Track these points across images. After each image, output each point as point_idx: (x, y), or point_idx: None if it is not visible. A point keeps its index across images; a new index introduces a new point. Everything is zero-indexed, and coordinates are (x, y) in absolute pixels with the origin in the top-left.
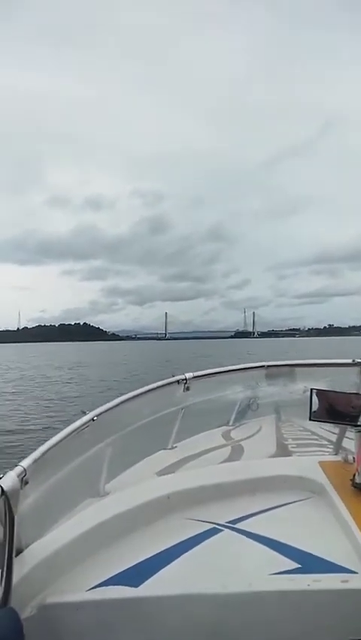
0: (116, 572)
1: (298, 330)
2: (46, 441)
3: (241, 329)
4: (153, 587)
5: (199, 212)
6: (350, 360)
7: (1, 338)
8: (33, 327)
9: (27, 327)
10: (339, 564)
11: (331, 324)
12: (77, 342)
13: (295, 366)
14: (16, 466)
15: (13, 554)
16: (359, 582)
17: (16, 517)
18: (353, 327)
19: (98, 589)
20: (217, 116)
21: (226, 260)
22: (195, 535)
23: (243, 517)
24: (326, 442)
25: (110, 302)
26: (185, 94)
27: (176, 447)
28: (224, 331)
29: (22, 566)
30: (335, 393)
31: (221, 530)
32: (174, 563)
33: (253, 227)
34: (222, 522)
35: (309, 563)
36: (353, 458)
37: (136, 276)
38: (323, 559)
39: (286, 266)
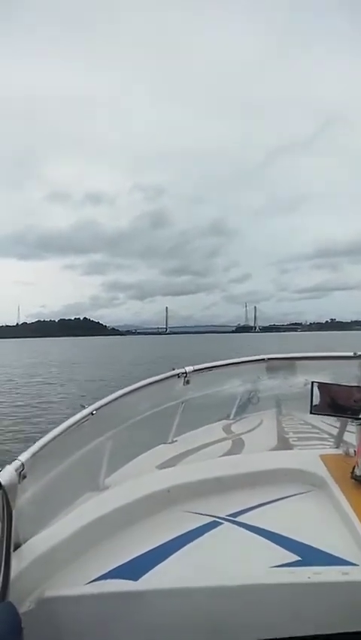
0: (116, 566)
1: (299, 324)
2: (45, 434)
3: (242, 323)
4: (153, 580)
5: (200, 207)
6: (351, 353)
7: (1, 333)
8: (32, 323)
9: (26, 323)
10: (340, 556)
11: (333, 318)
12: (77, 337)
13: (296, 359)
14: (15, 460)
15: (12, 549)
16: (359, 574)
17: (14, 512)
18: (355, 321)
19: (97, 582)
20: (218, 111)
21: (227, 254)
22: (196, 529)
23: (243, 510)
24: (327, 436)
25: (111, 297)
26: (186, 88)
27: (176, 441)
28: (225, 326)
29: (20, 561)
30: (336, 386)
31: (221, 523)
32: (173, 556)
33: (254, 222)
34: (222, 515)
35: (309, 556)
36: (354, 451)
37: (137, 270)
38: (323, 551)
39: (287, 260)
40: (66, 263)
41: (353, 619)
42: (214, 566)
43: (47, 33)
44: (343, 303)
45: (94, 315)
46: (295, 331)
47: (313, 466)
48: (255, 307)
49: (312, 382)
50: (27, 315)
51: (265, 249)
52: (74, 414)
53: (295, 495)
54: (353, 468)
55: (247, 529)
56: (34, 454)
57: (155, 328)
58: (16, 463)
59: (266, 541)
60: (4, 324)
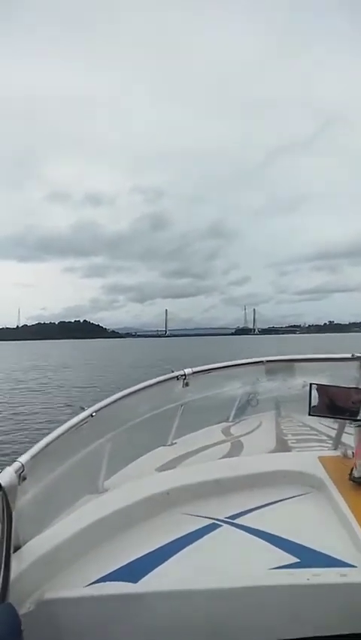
0: (115, 568)
1: (298, 326)
2: (44, 436)
3: (241, 326)
4: (152, 582)
5: (200, 207)
6: (349, 355)
7: (1, 336)
8: (32, 325)
9: (27, 325)
10: (338, 558)
11: (331, 320)
12: (77, 340)
13: (295, 361)
14: (14, 461)
15: (11, 550)
16: (358, 576)
17: (14, 513)
18: (354, 323)
19: (96, 584)
20: (218, 111)
21: (226, 256)
22: (195, 531)
23: (242, 512)
24: (326, 437)
25: (111, 299)
26: (186, 88)
27: (175, 443)
28: (225, 328)
29: (20, 562)
30: (334, 388)
31: (220, 525)
32: (173, 558)
33: (253, 222)
34: (221, 517)
35: (308, 558)
36: (353, 453)
37: (137, 273)
38: (322, 553)
39: (287, 262)
40: (66, 265)
41: (352, 620)
42: (214, 568)
43: (47, 33)
44: (341, 305)
45: (94, 318)
46: (294, 333)
47: (312, 468)
48: (254, 310)
49: (310, 384)
50: (27, 317)
51: (264, 250)
52: (73, 416)
53: (293, 497)
54: (352, 469)
55: (246, 531)
56: (34, 456)
57: (155, 331)
58: (16, 465)
59: (265, 543)
60: (4, 327)
